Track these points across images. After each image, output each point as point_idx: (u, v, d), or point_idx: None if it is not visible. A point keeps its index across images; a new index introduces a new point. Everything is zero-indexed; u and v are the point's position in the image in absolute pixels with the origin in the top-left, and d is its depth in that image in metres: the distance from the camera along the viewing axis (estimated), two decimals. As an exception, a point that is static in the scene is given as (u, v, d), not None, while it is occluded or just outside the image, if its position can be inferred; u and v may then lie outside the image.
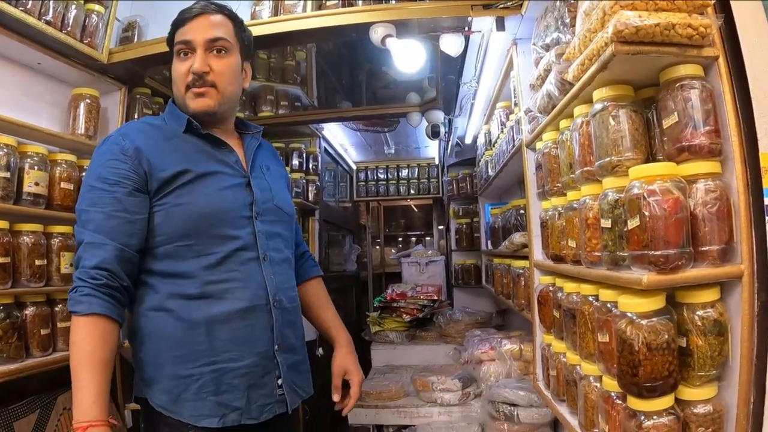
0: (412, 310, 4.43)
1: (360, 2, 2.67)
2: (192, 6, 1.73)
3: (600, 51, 1.32)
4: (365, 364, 4.85)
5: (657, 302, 1.25)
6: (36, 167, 2.48)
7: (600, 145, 1.44)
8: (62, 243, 2.61)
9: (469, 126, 4.15)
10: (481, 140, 3.94)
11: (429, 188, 7.01)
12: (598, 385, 1.55)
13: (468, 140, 4.51)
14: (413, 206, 9.21)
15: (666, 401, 1.24)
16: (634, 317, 1.25)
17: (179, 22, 1.72)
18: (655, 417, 1.24)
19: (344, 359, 2.04)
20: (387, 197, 7.21)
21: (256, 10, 2.70)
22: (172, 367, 1.59)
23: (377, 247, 8.57)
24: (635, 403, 1.27)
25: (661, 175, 1.23)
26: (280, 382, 1.71)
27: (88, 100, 2.84)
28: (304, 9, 2.66)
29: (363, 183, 7.12)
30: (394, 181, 7.08)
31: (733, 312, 1.24)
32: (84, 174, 2.70)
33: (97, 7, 2.74)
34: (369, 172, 7.12)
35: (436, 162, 7.00)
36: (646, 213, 1.20)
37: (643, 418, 1.25)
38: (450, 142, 5.03)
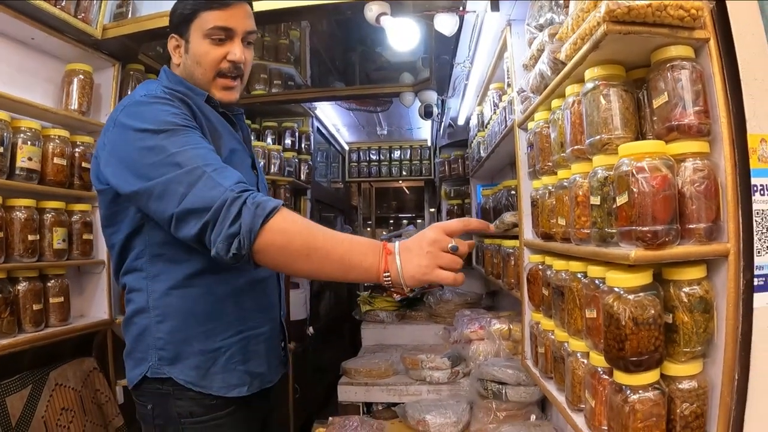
0: (402, 290, 4.45)
1: (355, -20, 2.63)
2: None
3: (592, 30, 1.33)
4: (356, 343, 4.90)
5: (644, 278, 1.28)
6: (29, 142, 2.49)
7: (591, 124, 1.45)
8: (55, 218, 2.63)
9: (462, 107, 4.16)
10: (473, 122, 3.96)
11: (421, 170, 7.03)
12: (586, 361, 1.57)
13: (461, 121, 4.53)
14: (405, 188, 9.23)
15: (651, 376, 1.27)
16: (622, 292, 1.28)
17: (214, 5, 1.63)
18: (640, 391, 1.26)
19: None
20: (379, 178, 7.22)
21: (251, -14, 2.67)
22: (201, 342, 1.58)
23: (368, 228, 8.58)
24: (621, 377, 1.29)
25: (650, 153, 1.24)
26: (283, 345, 1.81)
27: (81, 76, 2.84)
28: (300, -15, 2.64)
29: (355, 164, 7.13)
30: (386, 163, 7.10)
31: (719, 290, 1.26)
32: (86, 144, 2.75)
33: (91, -18, 2.72)
34: (361, 153, 7.14)
35: (429, 144, 7.01)
36: (635, 189, 1.21)
37: (629, 392, 1.28)
38: (443, 123, 5.04)
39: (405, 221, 9.25)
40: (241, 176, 1.39)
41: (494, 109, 3.04)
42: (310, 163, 5.09)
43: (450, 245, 1.31)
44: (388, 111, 5.64)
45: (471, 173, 4.42)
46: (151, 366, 1.57)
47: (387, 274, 1.30)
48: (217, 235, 1.30)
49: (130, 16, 2.93)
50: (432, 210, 7.95)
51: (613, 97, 1.40)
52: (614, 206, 1.32)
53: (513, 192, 2.93)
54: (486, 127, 3.34)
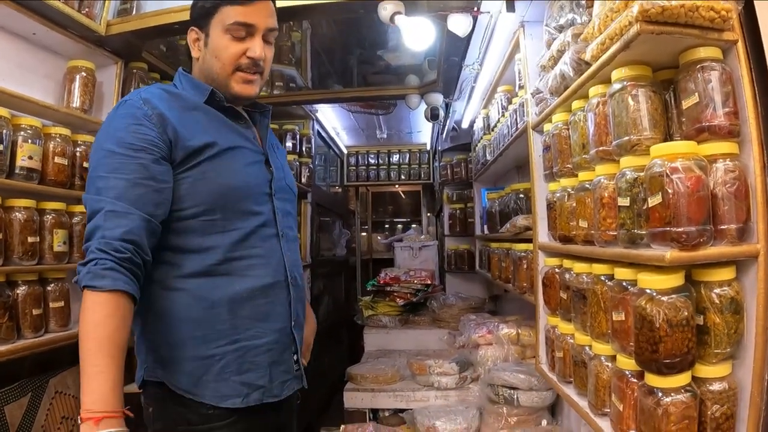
0: (405, 295, 4.44)
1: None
2: None
3: (623, 30, 1.32)
4: (355, 348, 4.87)
5: (677, 279, 1.27)
6: (30, 140, 2.41)
7: (618, 125, 1.44)
8: (55, 220, 2.55)
9: (467, 110, 4.14)
10: (479, 124, 3.94)
11: (420, 174, 7.02)
12: (611, 364, 1.56)
13: (465, 125, 4.50)
14: (401, 192, 9.22)
15: (684, 378, 1.26)
16: (654, 294, 1.26)
17: (237, 0, 1.62)
18: (673, 394, 1.25)
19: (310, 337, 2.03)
20: (377, 182, 7.21)
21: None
22: (193, 349, 1.53)
23: (364, 233, 8.57)
24: (654, 380, 1.28)
25: (683, 154, 1.24)
26: (296, 357, 1.71)
27: (83, 74, 2.78)
28: (313, -17, 2.61)
29: (353, 167, 7.12)
30: (384, 166, 7.09)
31: (749, 290, 1.26)
32: (87, 144, 2.69)
33: (96, -24, 2.66)
34: (360, 157, 7.13)
35: (428, 148, 7.00)
36: (669, 190, 1.21)
37: (661, 394, 1.26)
38: (446, 127, 5.02)
39: (400, 226, 9.23)
40: (126, 231, 1.41)
41: (502, 112, 3.02)
42: (311, 166, 5.06)
43: None
44: (389, 114, 5.62)
45: (475, 177, 4.41)
46: (146, 368, 1.57)
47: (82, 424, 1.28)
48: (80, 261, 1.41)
49: (134, 12, 2.87)
50: (429, 214, 7.95)
51: (642, 97, 1.39)
52: (645, 207, 1.31)
53: (521, 195, 2.91)
54: (492, 130, 3.32)
